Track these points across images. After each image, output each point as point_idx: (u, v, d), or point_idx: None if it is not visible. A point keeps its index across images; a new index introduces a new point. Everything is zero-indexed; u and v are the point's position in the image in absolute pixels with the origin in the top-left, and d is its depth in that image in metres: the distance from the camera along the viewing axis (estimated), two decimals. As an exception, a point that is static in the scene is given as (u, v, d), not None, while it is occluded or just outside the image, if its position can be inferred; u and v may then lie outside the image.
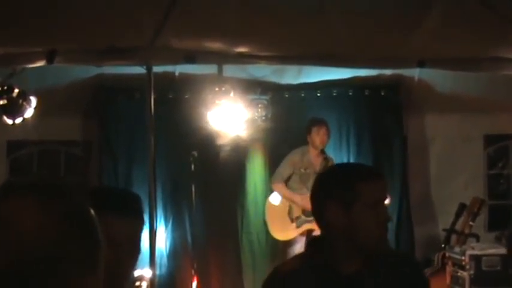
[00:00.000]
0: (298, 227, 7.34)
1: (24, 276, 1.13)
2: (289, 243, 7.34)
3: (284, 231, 7.42)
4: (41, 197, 1.20)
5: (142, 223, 2.47)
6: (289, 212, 7.41)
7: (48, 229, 1.16)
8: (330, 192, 2.60)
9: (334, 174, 2.77)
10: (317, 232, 7.53)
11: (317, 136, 7.46)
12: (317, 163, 7.37)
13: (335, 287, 2.59)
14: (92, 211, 1.26)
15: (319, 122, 7.56)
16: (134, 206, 2.43)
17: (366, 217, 2.55)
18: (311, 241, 2.85)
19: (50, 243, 1.15)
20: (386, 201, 7.50)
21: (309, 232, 7.27)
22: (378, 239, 2.60)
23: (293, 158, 7.49)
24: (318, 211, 2.66)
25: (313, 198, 2.70)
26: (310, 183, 7.25)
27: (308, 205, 7.74)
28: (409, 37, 5.77)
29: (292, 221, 7.42)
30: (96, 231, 1.24)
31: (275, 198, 7.58)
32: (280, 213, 7.45)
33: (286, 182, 7.47)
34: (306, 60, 6.55)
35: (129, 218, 2.30)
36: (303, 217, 7.35)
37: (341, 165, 4.09)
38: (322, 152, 7.46)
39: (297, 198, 7.36)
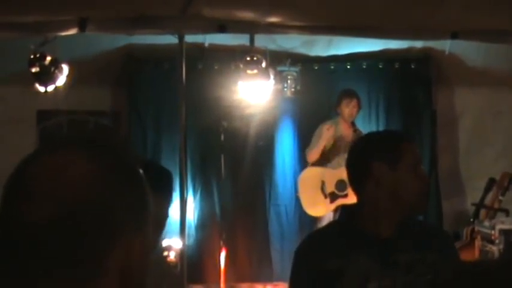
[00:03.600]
0: (331, 202, 7.30)
1: (74, 227, 1.13)
2: (319, 219, 7.32)
3: (317, 206, 7.38)
4: (89, 150, 1.20)
5: (169, 200, 2.57)
6: (322, 187, 7.38)
7: (95, 181, 1.16)
8: (374, 154, 2.63)
9: (375, 138, 2.82)
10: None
11: (347, 108, 7.40)
12: (348, 135, 7.32)
13: (373, 250, 2.60)
14: (140, 170, 1.26)
15: (350, 94, 7.50)
16: (165, 182, 2.53)
17: (410, 176, 2.59)
18: (344, 208, 2.87)
19: (98, 194, 1.15)
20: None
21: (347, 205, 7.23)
22: (423, 197, 2.65)
23: (322, 129, 7.44)
24: (360, 176, 2.67)
25: (355, 164, 2.71)
26: (342, 155, 7.25)
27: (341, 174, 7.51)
28: (442, 8, 5.72)
29: (325, 196, 7.38)
30: (144, 189, 1.23)
31: (308, 173, 7.53)
32: (313, 188, 7.41)
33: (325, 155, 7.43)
34: (337, 31, 6.51)
35: (159, 194, 2.31)
36: (336, 192, 7.31)
37: (376, 132, 4.07)
38: (353, 124, 7.41)
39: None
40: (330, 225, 3.34)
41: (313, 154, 7.40)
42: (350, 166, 2.73)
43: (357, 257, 2.59)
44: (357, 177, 2.70)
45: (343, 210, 2.87)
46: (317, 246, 2.73)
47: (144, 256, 1.23)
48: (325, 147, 7.38)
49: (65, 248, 1.13)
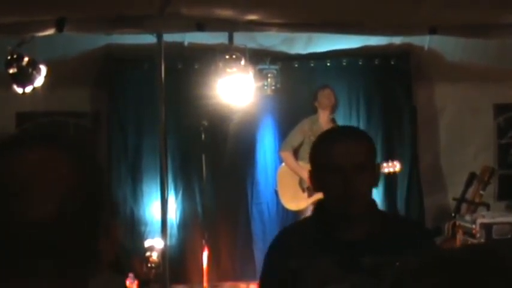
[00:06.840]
0: (309, 196, 7.31)
1: (70, 226, 1.13)
2: (300, 213, 7.32)
3: (295, 200, 7.39)
4: (63, 146, 1.20)
5: None
6: (300, 182, 7.38)
7: (82, 178, 1.17)
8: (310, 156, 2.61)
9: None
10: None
11: (324, 97, 7.39)
12: (327, 131, 7.29)
13: (337, 253, 2.50)
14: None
15: (323, 86, 7.53)
16: None
17: (325, 181, 2.53)
18: (316, 205, 2.78)
19: (87, 191, 1.16)
20: (397, 169, 7.50)
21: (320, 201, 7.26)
22: (342, 205, 2.52)
23: (303, 126, 7.43)
24: None
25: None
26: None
27: None
28: (420, 3, 5.74)
29: (303, 190, 7.38)
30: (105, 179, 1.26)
31: (286, 168, 7.54)
32: (291, 183, 7.41)
33: (297, 150, 7.41)
34: (316, 28, 6.53)
35: None
36: (314, 187, 7.31)
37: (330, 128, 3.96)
38: (333, 120, 7.41)
39: (304, 173, 7.31)
40: (302, 221, 3.27)
41: (285, 155, 7.42)
42: None
43: (318, 258, 2.50)
44: None
45: (315, 206, 2.78)
46: (284, 243, 2.68)
47: (120, 241, 1.25)
48: (303, 143, 7.37)
49: (65, 246, 1.13)
